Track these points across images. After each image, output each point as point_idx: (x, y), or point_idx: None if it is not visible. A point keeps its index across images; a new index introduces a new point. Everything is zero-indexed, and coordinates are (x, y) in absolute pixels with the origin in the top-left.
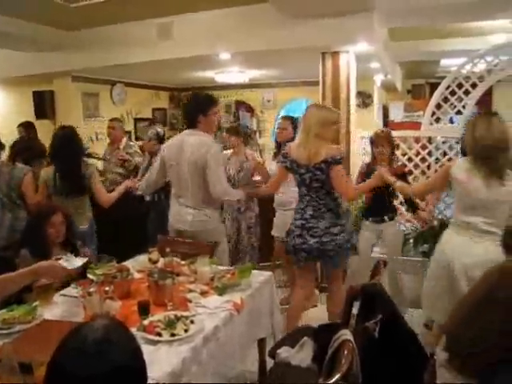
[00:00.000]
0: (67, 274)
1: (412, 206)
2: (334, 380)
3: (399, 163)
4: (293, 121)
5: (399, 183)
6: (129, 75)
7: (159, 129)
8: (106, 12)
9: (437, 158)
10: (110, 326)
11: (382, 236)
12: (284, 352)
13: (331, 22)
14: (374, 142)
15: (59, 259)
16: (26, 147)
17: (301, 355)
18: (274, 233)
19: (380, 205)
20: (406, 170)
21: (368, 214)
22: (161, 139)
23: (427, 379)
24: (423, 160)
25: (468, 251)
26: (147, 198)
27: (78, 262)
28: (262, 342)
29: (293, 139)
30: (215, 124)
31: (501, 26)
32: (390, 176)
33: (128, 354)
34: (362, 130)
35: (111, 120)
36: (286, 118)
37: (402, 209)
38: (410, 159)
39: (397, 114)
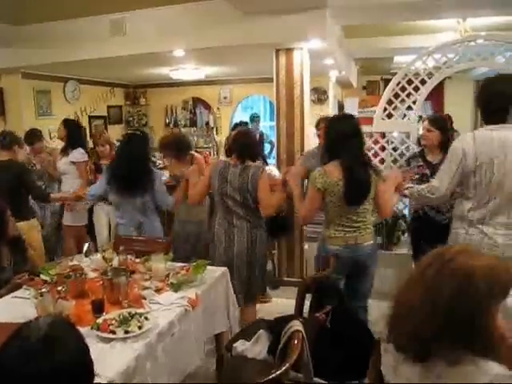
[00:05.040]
0: None
1: None
2: (283, 369)
3: None
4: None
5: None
6: (82, 72)
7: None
8: (57, 6)
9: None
10: (54, 324)
11: None
12: (240, 345)
13: (284, 18)
14: None
15: None
16: None
17: (257, 348)
18: None
19: None
20: None
21: None
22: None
23: (372, 364)
24: (375, 155)
25: None
26: None
27: None
28: (219, 337)
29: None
30: None
31: (449, 25)
32: None
33: (73, 351)
34: None
35: None
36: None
37: None
38: None
39: (352, 109)
